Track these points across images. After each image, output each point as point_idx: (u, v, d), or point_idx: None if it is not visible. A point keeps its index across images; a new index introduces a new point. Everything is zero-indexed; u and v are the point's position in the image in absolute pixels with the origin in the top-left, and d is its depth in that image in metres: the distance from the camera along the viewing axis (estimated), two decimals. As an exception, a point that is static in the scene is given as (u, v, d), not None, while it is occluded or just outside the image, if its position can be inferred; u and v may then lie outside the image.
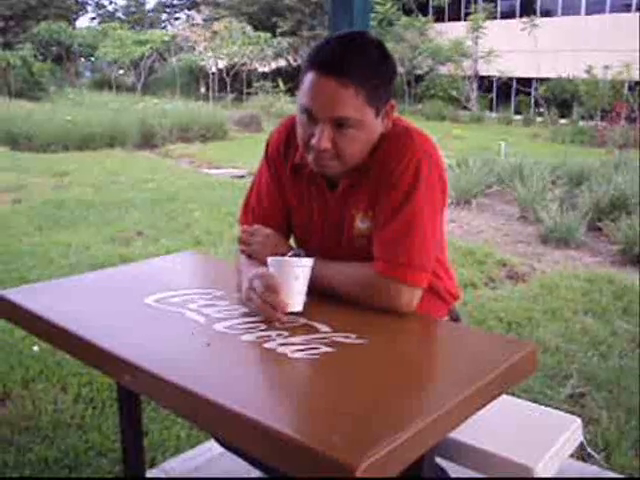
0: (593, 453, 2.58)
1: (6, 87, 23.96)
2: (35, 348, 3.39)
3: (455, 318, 1.83)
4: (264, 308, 1.42)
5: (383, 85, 1.51)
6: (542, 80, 23.10)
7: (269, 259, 1.49)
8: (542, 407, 1.87)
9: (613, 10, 23.48)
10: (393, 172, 1.52)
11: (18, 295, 1.64)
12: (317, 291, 1.55)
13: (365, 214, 1.58)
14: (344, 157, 1.52)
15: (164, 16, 46.90)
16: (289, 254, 1.57)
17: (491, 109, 25.32)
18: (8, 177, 9.05)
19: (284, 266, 1.46)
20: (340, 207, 1.63)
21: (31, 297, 1.63)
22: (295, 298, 1.44)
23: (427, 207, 1.52)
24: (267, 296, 1.42)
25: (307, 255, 1.56)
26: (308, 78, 1.49)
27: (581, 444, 2.02)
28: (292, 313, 1.44)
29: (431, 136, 1.62)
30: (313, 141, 1.50)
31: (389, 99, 1.54)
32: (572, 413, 1.98)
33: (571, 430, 1.67)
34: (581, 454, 2.55)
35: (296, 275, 1.44)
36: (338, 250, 1.63)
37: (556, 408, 2.09)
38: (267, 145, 1.79)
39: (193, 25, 33.21)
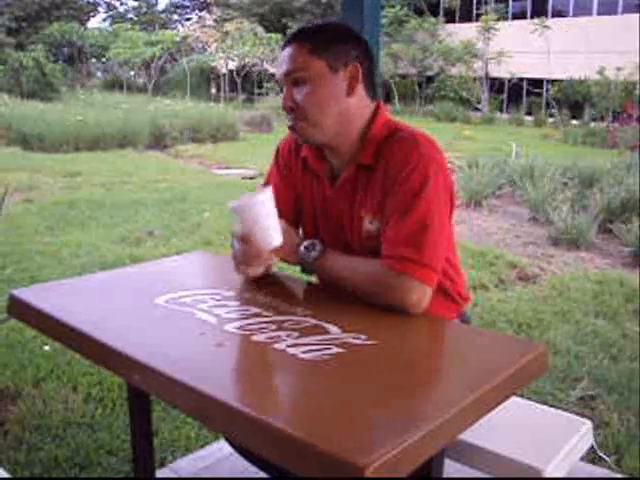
0: (604, 456, 2.57)
1: (18, 88, 24.10)
2: (46, 347, 3.40)
3: (466, 321, 1.82)
4: (243, 260, 1.57)
5: (330, 39, 1.58)
6: (553, 81, 23.04)
7: (231, 207, 1.51)
8: (552, 409, 1.86)
9: (625, 11, 23.36)
10: (400, 173, 1.53)
11: (29, 294, 1.65)
12: (327, 283, 1.58)
13: (374, 216, 1.59)
14: (308, 117, 1.57)
15: (175, 17, 47.13)
16: (304, 244, 1.61)
17: (502, 110, 25.27)
18: (20, 177, 9.10)
19: (246, 211, 1.50)
20: (339, 203, 1.65)
21: (42, 297, 1.63)
22: (269, 235, 1.50)
23: (435, 208, 1.53)
24: (243, 248, 1.54)
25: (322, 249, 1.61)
26: None
27: (591, 447, 2.00)
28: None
29: (440, 138, 1.63)
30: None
31: (348, 60, 1.58)
32: (582, 416, 1.97)
33: (581, 432, 1.66)
34: (592, 457, 2.54)
35: (260, 214, 1.49)
36: (348, 252, 1.64)
37: (566, 410, 2.09)
38: (277, 149, 1.84)
39: (204, 26, 33.28)
